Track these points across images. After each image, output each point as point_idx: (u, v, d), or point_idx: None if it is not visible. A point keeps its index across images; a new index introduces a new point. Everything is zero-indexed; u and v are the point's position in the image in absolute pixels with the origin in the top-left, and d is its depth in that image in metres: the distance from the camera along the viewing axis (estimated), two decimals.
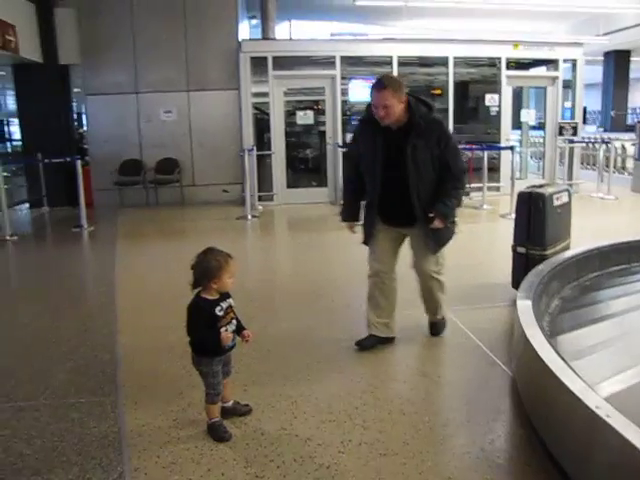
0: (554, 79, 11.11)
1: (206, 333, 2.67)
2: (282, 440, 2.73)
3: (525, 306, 3.40)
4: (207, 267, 2.66)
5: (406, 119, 3.40)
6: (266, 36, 12.78)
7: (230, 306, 2.75)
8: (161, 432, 2.82)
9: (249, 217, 8.85)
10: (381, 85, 3.33)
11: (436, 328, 3.97)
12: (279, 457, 2.59)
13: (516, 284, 4.39)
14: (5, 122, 29.11)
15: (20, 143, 11.92)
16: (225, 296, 2.73)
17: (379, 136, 3.45)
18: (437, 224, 3.45)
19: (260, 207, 9.73)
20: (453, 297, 4.80)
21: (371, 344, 3.73)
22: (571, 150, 11.11)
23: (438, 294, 3.81)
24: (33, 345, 4.05)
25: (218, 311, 2.68)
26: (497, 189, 10.53)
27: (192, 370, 3.40)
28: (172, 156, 10.48)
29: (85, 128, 11.33)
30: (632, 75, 22.58)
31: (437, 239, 3.58)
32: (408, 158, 3.37)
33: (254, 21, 16.62)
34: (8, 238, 7.81)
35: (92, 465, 2.56)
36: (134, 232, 8.43)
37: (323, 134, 10.65)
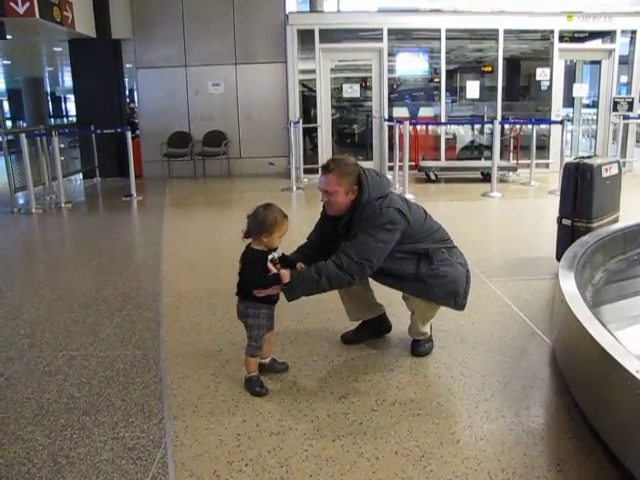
0: (610, 52, 10.64)
1: (262, 277, 2.74)
2: (317, 396, 2.76)
3: (567, 275, 3.31)
4: (264, 221, 2.70)
5: (350, 210, 2.90)
6: (314, 9, 12.66)
7: (278, 257, 2.81)
8: (200, 385, 2.89)
9: (294, 189, 8.89)
10: (326, 168, 2.88)
11: (418, 348, 3.22)
12: (313, 412, 2.62)
13: (560, 257, 4.26)
14: (63, 98, 29.95)
15: (75, 119, 12.23)
16: (273, 249, 2.79)
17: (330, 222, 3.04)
18: (268, 291, 2.76)
19: (306, 179, 9.75)
20: (496, 269, 4.80)
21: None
22: (625, 127, 10.69)
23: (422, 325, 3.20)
24: (84, 302, 4.20)
25: (270, 260, 2.75)
26: (546, 166, 10.25)
27: (232, 329, 3.50)
28: (219, 129, 10.58)
29: (136, 102, 11.53)
30: None
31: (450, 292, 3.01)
32: None
33: None
34: (63, 205, 8.14)
35: (135, 410, 2.67)
36: (181, 202, 8.58)
37: (370, 109, 10.56)
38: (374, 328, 3.36)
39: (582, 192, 4.46)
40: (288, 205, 8.33)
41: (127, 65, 12.16)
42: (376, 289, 3.32)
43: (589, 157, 4.69)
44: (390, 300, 3.45)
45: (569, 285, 3.18)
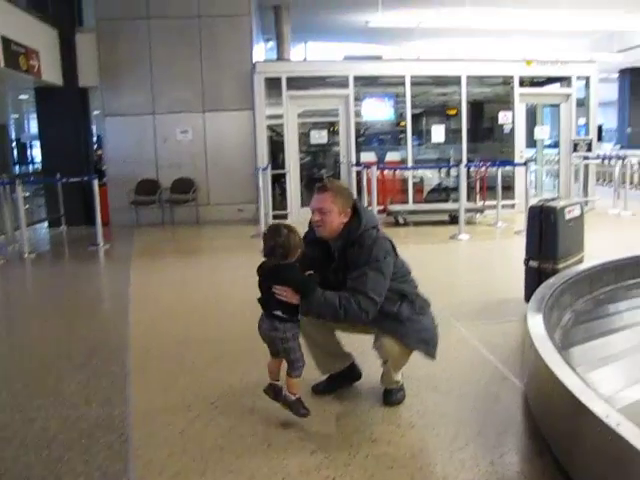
0: (567, 96, 11.08)
1: (304, 277, 2.82)
2: (288, 451, 2.70)
3: (535, 318, 3.35)
4: (294, 244, 2.76)
5: (344, 234, 2.91)
6: (281, 58, 12.93)
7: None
8: (167, 443, 2.80)
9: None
10: (323, 187, 2.91)
11: (390, 397, 3.17)
12: (284, 469, 2.55)
13: (528, 298, 4.31)
14: (28, 145, 29.74)
15: (41, 166, 12.13)
16: None
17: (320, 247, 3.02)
18: (287, 294, 2.75)
19: None
20: (466, 312, 4.82)
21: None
22: (586, 167, 11.03)
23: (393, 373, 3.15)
24: (47, 358, 4.07)
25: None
26: (512, 206, 10.46)
27: (201, 382, 3.43)
28: (188, 176, 10.59)
29: (103, 149, 11.52)
30: None
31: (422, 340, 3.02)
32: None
33: (270, 44, 16.88)
34: (26, 255, 7.94)
35: (98, 475, 2.55)
36: (149, 250, 8.50)
37: (338, 154, 10.71)
38: (345, 377, 3.33)
39: (547, 234, 4.55)
40: (257, 253, 8.32)
41: (95, 112, 12.20)
42: (343, 337, 3.30)
43: (552, 199, 4.81)
44: (359, 350, 3.43)
45: (537, 328, 3.21)
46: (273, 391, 2.92)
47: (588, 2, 13.36)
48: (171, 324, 4.79)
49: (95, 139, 14.28)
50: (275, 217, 9.98)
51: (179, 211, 10.62)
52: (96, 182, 8.63)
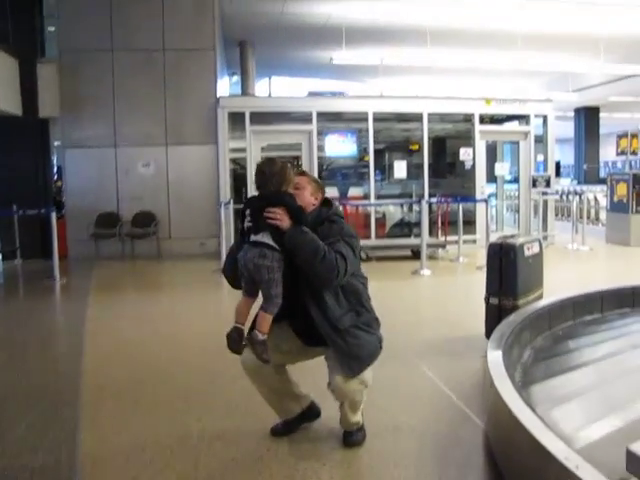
0: (526, 134, 11.41)
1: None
2: None
3: (495, 357, 3.36)
4: (289, 175, 2.87)
5: (314, 214, 3.00)
6: (246, 92, 13.04)
7: None
8: None
9: None
10: (302, 172, 3.29)
11: (350, 438, 3.11)
12: None
13: (489, 335, 4.34)
14: None
15: None
16: None
17: None
18: (280, 216, 2.76)
19: None
20: (428, 350, 4.82)
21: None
22: (545, 202, 11.31)
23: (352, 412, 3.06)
24: None
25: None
26: (473, 242, 10.61)
27: (157, 424, 3.32)
28: (149, 209, 10.47)
29: (63, 181, 11.31)
30: (602, 130, 23.33)
31: (356, 356, 2.90)
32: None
33: (235, 78, 17.05)
34: None
35: None
36: (108, 285, 8.32)
37: None
38: (304, 416, 3.25)
39: (507, 271, 4.60)
40: (219, 288, 8.22)
41: (55, 143, 12.03)
42: (299, 377, 3.24)
43: (512, 236, 4.89)
44: (317, 392, 3.35)
45: (497, 367, 3.22)
46: (237, 333, 2.82)
47: (543, 44, 13.93)
48: (127, 361, 4.65)
49: (55, 170, 14.05)
50: None
51: (140, 245, 10.46)
52: (54, 215, 8.44)
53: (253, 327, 2.88)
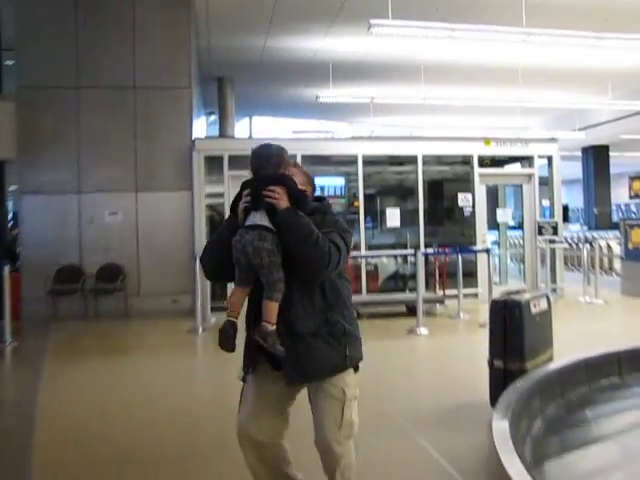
0: (530, 176, 11.53)
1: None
2: None
3: (502, 428, 3.31)
4: (287, 157, 2.93)
5: None
6: (224, 133, 13.21)
7: None
8: None
9: (200, 331, 8.68)
10: (294, 163, 3.26)
11: None
12: None
13: (494, 403, 4.30)
14: None
15: None
16: None
17: None
18: (280, 195, 2.79)
19: (214, 319, 9.57)
20: (426, 420, 4.74)
21: None
22: (553, 251, 11.36)
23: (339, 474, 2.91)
24: None
25: None
26: (475, 296, 10.60)
27: None
28: (116, 262, 10.38)
29: (19, 229, 11.22)
30: (613, 170, 23.64)
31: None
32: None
33: (212, 117, 17.29)
34: None
35: None
36: (67, 349, 8.17)
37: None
38: None
39: (512, 331, 4.58)
40: (193, 350, 8.14)
41: (11, 188, 12.01)
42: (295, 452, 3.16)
43: (517, 292, 4.88)
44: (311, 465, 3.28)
45: (504, 441, 3.17)
46: (233, 327, 2.75)
47: (546, 80, 14.29)
48: (86, 441, 4.52)
49: (10, 217, 14.02)
50: (214, 309, 9.81)
51: (105, 302, 10.33)
52: (7, 269, 8.35)
53: (251, 327, 2.82)
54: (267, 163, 2.85)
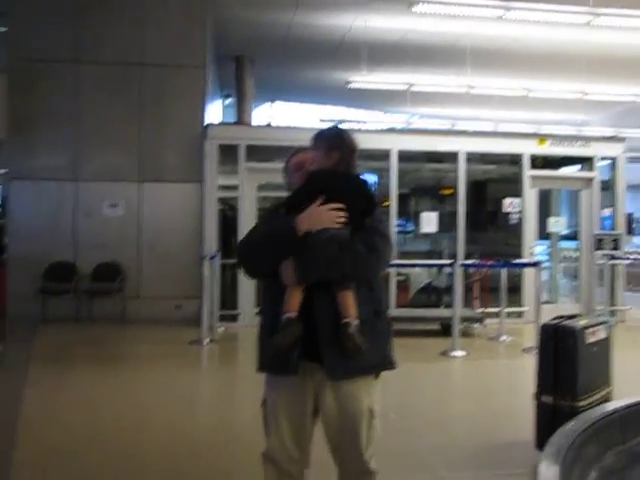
0: (589, 181, 11.34)
1: None
2: None
3: (550, 476, 3.20)
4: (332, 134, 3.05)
5: None
6: (240, 119, 13.19)
7: None
8: None
9: (205, 342, 8.67)
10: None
11: None
12: None
13: (540, 444, 4.20)
14: None
15: None
16: None
17: None
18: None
19: (222, 329, 9.56)
20: (460, 459, 4.68)
21: None
22: (613, 268, 11.15)
23: None
24: None
25: None
26: (519, 315, 10.46)
27: None
28: (114, 260, 10.46)
29: (7, 219, 11.30)
30: None
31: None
32: None
33: (228, 100, 17.28)
34: None
35: None
36: (55, 355, 8.23)
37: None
38: None
39: (564, 362, 4.47)
40: (196, 364, 8.12)
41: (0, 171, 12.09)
42: None
43: (571, 317, 4.76)
44: None
45: None
46: (298, 326, 2.77)
47: (612, 69, 14.04)
48: (72, 462, 4.52)
49: None
50: (223, 318, 9.79)
51: (100, 304, 10.41)
52: None
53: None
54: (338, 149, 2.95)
